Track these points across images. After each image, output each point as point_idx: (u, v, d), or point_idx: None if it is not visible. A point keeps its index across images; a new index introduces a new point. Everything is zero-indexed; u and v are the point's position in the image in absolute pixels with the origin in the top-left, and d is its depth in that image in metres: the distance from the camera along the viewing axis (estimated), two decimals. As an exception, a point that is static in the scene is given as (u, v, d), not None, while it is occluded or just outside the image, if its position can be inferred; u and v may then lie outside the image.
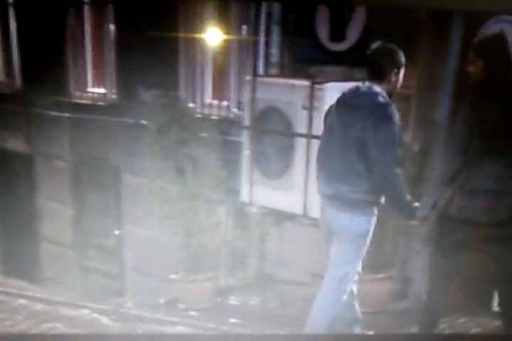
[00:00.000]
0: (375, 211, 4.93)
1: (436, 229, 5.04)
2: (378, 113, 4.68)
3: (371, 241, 6.12)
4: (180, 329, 6.75)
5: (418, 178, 6.29)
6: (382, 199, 4.92)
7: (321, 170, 5.04)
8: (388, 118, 4.66)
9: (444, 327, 5.79)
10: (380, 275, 6.32)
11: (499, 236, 4.87)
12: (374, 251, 6.26)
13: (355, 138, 4.70)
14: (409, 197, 4.85)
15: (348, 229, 4.92)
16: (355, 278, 5.10)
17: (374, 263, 6.32)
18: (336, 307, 5.12)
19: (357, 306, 5.31)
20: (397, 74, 4.82)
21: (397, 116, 4.69)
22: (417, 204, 4.90)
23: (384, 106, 4.69)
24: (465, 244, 4.99)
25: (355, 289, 5.18)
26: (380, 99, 4.71)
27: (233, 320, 6.83)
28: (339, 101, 4.94)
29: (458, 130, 4.91)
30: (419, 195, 6.30)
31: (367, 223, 4.92)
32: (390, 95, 4.80)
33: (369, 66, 4.90)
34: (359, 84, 4.88)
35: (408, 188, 4.86)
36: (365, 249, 5.02)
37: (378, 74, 4.80)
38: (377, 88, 4.76)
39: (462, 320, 5.91)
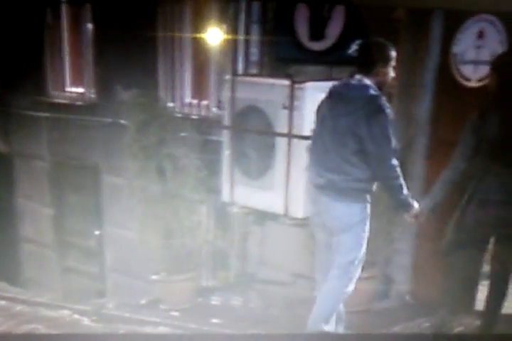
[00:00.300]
0: (369, 199, 5.03)
1: (452, 240, 5.36)
2: (370, 105, 4.77)
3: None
4: (161, 329, 6.72)
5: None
6: (375, 187, 5.04)
7: (314, 161, 5.13)
8: (380, 110, 4.76)
9: (427, 326, 5.82)
10: (363, 275, 6.31)
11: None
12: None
13: (348, 130, 4.79)
14: (405, 189, 4.96)
15: (344, 218, 5.00)
16: (360, 268, 5.22)
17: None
18: (341, 298, 5.24)
19: (341, 305, 5.35)
20: (386, 67, 4.91)
21: (389, 108, 4.78)
22: (412, 198, 5.03)
23: (376, 99, 4.78)
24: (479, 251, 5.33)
25: None
26: (372, 91, 4.80)
27: (215, 320, 6.81)
28: (331, 93, 5.01)
29: (467, 140, 5.03)
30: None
31: (362, 210, 5.01)
32: (379, 88, 4.89)
33: (357, 59, 4.97)
34: (349, 76, 4.95)
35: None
36: (366, 236, 5.09)
37: (365, 66, 4.90)
38: (367, 81, 4.85)
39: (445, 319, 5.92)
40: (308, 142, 6.39)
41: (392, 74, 4.97)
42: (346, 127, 4.80)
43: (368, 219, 5.05)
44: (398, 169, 4.87)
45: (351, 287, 5.19)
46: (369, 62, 4.89)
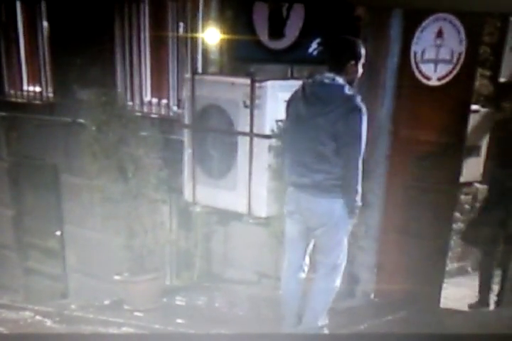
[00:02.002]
0: None
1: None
2: (348, 104, 4.77)
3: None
4: (125, 330, 6.70)
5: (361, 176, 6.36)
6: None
7: (294, 162, 5.12)
8: (357, 109, 4.76)
9: (393, 324, 5.87)
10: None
11: None
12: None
13: (327, 130, 4.80)
14: (359, 196, 4.98)
15: (327, 214, 5.04)
16: (344, 264, 5.25)
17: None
18: (332, 293, 5.26)
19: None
20: (356, 65, 4.92)
21: (364, 108, 4.80)
22: (358, 208, 5.05)
23: (352, 99, 4.78)
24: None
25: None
26: (347, 91, 4.81)
27: (180, 321, 6.80)
28: (305, 93, 4.99)
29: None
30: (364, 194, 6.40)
31: (341, 206, 5.00)
32: (350, 84, 4.91)
33: (328, 57, 4.99)
34: (320, 74, 4.94)
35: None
36: (349, 230, 5.21)
37: (336, 65, 4.89)
38: (340, 79, 4.85)
39: (410, 317, 5.97)
40: (271, 141, 6.44)
41: (361, 71, 4.98)
42: (324, 126, 4.81)
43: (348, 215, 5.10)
44: (360, 173, 4.90)
45: (339, 281, 5.23)
46: (340, 60, 4.89)
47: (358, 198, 4.98)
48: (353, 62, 4.89)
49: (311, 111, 4.90)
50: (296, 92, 5.09)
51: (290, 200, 5.27)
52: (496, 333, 4.90)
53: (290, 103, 5.13)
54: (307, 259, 5.36)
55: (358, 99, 4.80)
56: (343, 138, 4.80)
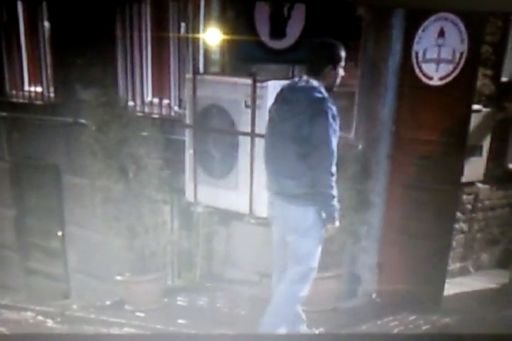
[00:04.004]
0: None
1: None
2: (313, 108, 4.69)
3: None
4: (127, 330, 6.69)
5: (363, 176, 6.35)
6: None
7: (268, 167, 5.10)
8: (322, 113, 4.66)
9: (395, 324, 5.86)
10: (329, 274, 6.34)
11: None
12: (322, 249, 6.30)
13: (294, 134, 4.75)
14: (335, 202, 4.86)
15: (298, 222, 4.96)
16: (314, 273, 5.16)
17: (322, 261, 6.34)
18: (297, 303, 5.21)
19: (299, 307, 5.32)
20: (335, 69, 4.85)
21: (333, 112, 4.69)
22: (337, 214, 4.92)
23: (318, 101, 4.69)
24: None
25: None
26: (316, 94, 4.72)
27: (181, 321, 6.80)
28: (278, 96, 4.98)
29: None
30: (364, 196, 6.40)
31: (315, 214, 4.92)
32: (329, 89, 4.83)
33: (306, 60, 4.92)
34: (297, 78, 4.92)
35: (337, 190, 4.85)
36: (321, 241, 5.09)
37: (314, 68, 4.84)
38: (314, 82, 4.78)
39: (412, 317, 5.97)
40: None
41: (341, 74, 4.90)
42: (292, 131, 4.76)
43: (321, 223, 4.97)
44: (334, 178, 4.79)
45: (306, 292, 5.13)
46: (318, 64, 4.84)
47: (335, 202, 4.85)
48: (330, 67, 4.83)
49: (281, 115, 4.87)
50: (275, 96, 5.03)
51: (269, 206, 5.32)
52: (496, 333, 4.90)
53: (270, 108, 5.09)
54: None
55: (327, 102, 4.69)
56: (310, 143, 4.72)
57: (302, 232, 4.97)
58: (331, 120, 4.67)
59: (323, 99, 4.69)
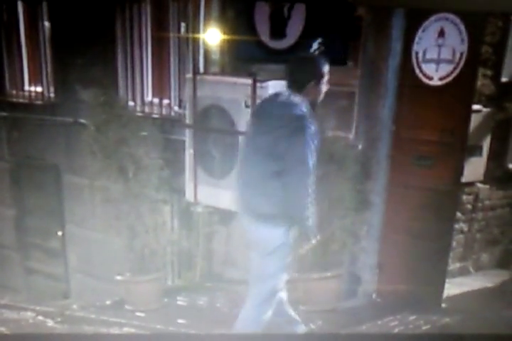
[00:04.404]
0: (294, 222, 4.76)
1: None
2: (291, 125, 4.52)
3: (320, 240, 6.19)
4: (127, 330, 6.70)
5: (363, 176, 6.36)
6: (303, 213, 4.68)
7: (240, 181, 4.92)
8: (301, 131, 4.49)
9: (395, 324, 5.86)
10: (329, 274, 6.35)
11: None
12: (322, 249, 6.31)
13: (270, 150, 4.57)
14: (311, 221, 4.66)
15: (264, 243, 4.79)
16: (281, 293, 4.96)
17: (322, 261, 6.36)
18: (261, 325, 4.96)
19: (290, 310, 5.21)
20: (318, 85, 4.69)
21: (312, 130, 4.52)
22: (314, 232, 4.74)
23: (298, 119, 4.53)
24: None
25: (285, 296, 5.06)
26: (296, 110, 4.55)
27: (181, 321, 6.80)
28: (257, 109, 4.93)
29: None
30: (364, 196, 6.40)
31: (284, 235, 4.74)
32: (312, 105, 4.66)
33: (287, 76, 4.75)
34: (280, 91, 4.76)
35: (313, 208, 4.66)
36: (288, 261, 4.88)
37: (296, 85, 4.68)
38: (296, 98, 4.61)
39: (412, 317, 5.98)
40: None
41: (324, 90, 4.74)
42: (268, 147, 4.56)
43: (289, 244, 4.81)
44: (309, 199, 4.59)
45: (269, 314, 4.95)
46: (300, 80, 4.69)
47: (310, 223, 4.64)
48: (313, 83, 4.67)
49: (258, 129, 4.72)
50: (254, 109, 4.99)
51: (241, 223, 5.08)
52: (496, 333, 4.90)
53: (248, 120, 5.01)
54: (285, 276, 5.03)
55: (306, 120, 4.51)
56: (286, 161, 4.53)
57: (267, 253, 4.78)
58: (308, 139, 4.50)
59: (302, 117, 4.52)
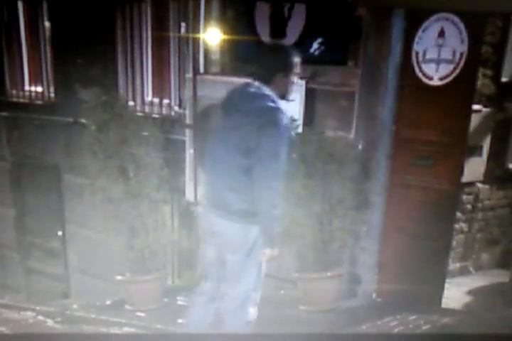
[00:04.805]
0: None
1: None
2: (263, 118, 4.33)
3: (320, 240, 6.20)
4: (127, 330, 6.69)
5: (363, 176, 6.36)
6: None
7: (207, 177, 4.73)
8: (274, 124, 4.30)
9: (395, 324, 5.86)
10: (329, 274, 6.35)
11: None
12: (322, 249, 6.32)
13: (239, 144, 4.37)
14: (276, 226, 4.48)
15: (238, 242, 4.59)
16: (259, 293, 4.81)
17: (322, 261, 6.36)
18: (248, 327, 4.79)
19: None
20: (287, 76, 4.49)
21: (285, 123, 4.37)
22: (276, 239, 4.53)
23: (270, 111, 4.35)
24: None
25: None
26: (268, 102, 4.37)
27: (181, 321, 6.78)
28: (225, 101, 4.61)
29: None
30: (364, 196, 6.40)
31: (256, 233, 4.53)
32: (282, 97, 4.50)
33: (256, 66, 4.55)
34: (247, 82, 4.52)
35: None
36: (260, 262, 4.68)
37: (264, 75, 4.47)
38: (266, 89, 4.43)
39: (412, 317, 5.98)
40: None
41: (295, 82, 4.57)
42: (238, 141, 4.36)
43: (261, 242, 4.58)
44: (278, 197, 4.40)
45: (255, 315, 4.80)
46: (268, 70, 4.48)
47: (276, 225, 4.46)
48: (281, 75, 4.46)
49: (227, 123, 4.47)
50: (221, 101, 4.65)
51: (202, 222, 4.84)
52: (496, 333, 4.90)
53: (216, 113, 4.76)
54: (221, 289, 4.88)
55: (279, 112, 4.33)
56: (257, 155, 4.30)
57: (243, 254, 4.59)
58: (282, 131, 4.33)
59: (275, 109, 4.34)
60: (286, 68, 4.49)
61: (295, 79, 4.58)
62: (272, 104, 4.37)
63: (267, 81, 4.45)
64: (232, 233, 4.57)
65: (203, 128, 7.10)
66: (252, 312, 4.79)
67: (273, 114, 4.34)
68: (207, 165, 4.71)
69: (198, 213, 4.97)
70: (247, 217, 4.48)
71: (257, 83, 4.47)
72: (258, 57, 4.66)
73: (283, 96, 4.53)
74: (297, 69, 4.55)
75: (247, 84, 4.51)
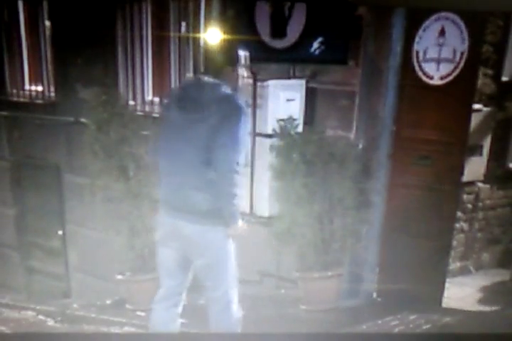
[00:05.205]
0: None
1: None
2: (225, 104, 4.25)
3: (321, 239, 6.19)
4: (127, 329, 6.69)
5: (363, 175, 6.36)
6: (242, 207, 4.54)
7: (166, 177, 4.59)
8: (239, 110, 4.25)
9: (396, 324, 5.86)
10: (329, 273, 6.35)
11: None
12: (322, 248, 6.32)
13: (203, 138, 4.24)
14: (237, 201, 4.37)
15: (206, 245, 4.47)
16: (237, 290, 4.76)
17: (323, 260, 6.36)
18: (238, 324, 4.79)
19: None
20: (234, 70, 4.46)
21: (243, 106, 4.31)
22: (238, 214, 4.45)
23: (231, 97, 4.30)
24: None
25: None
26: (225, 90, 4.31)
27: (181, 320, 6.78)
28: (176, 95, 4.52)
29: None
30: (365, 196, 6.40)
31: (224, 234, 4.47)
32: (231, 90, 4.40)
33: (204, 61, 4.67)
34: (197, 75, 4.62)
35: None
36: (233, 261, 4.70)
37: (212, 68, 4.45)
38: (217, 81, 4.36)
39: (412, 317, 5.98)
40: (273, 140, 6.44)
41: (243, 75, 4.61)
42: (199, 132, 4.25)
43: (231, 242, 4.58)
44: (238, 177, 4.29)
45: (240, 311, 4.78)
46: (216, 63, 4.47)
47: (236, 201, 4.34)
48: (229, 68, 4.43)
49: (183, 116, 4.33)
50: (171, 95, 4.60)
51: (163, 225, 4.68)
52: (497, 333, 4.90)
53: (164, 108, 4.72)
54: (184, 294, 4.90)
55: (239, 98, 4.30)
56: (220, 141, 4.19)
57: (213, 257, 4.52)
58: (243, 115, 4.27)
59: (232, 95, 4.30)
60: (233, 62, 4.45)
61: (243, 73, 4.66)
62: (228, 91, 4.32)
63: (215, 74, 4.37)
64: (199, 237, 4.44)
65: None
66: (237, 309, 4.75)
67: (232, 100, 4.29)
68: (164, 165, 4.56)
69: (158, 217, 4.77)
70: (215, 218, 4.37)
71: (206, 77, 4.39)
72: (207, 49, 4.77)
73: (232, 88, 4.43)
74: (245, 63, 4.50)
75: (198, 77, 4.49)
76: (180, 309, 4.89)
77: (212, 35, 7.25)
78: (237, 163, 4.28)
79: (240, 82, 4.73)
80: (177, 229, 4.49)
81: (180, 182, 4.41)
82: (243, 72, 4.65)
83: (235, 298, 4.74)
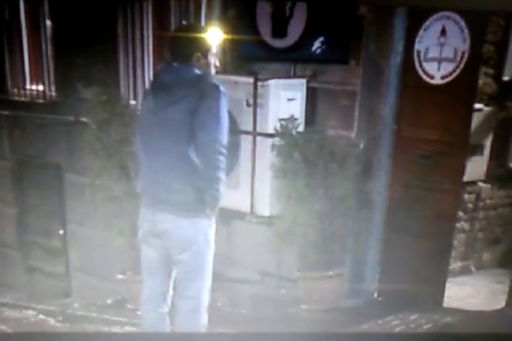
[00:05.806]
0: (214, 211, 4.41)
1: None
2: (201, 85, 4.21)
3: (322, 239, 6.19)
4: (128, 329, 6.69)
5: (364, 175, 6.35)
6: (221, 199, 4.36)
7: (145, 168, 4.45)
8: (217, 88, 4.20)
9: (396, 323, 5.86)
10: (330, 273, 6.35)
11: None
12: (323, 248, 6.31)
13: (182, 123, 4.20)
14: (221, 185, 4.28)
15: (189, 239, 4.37)
16: (207, 298, 4.68)
17: (324, 260, 6.36)
18: (201, 327, 4.67)
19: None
20: (205, 57, 4.41)
21: (221, 87, 4.24)
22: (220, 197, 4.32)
23: (205, 78, 4.30)
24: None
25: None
26: (197, 71, 4.29)
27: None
28: (153, 82, 4.49)
29: None
30: (366, 195, 6.40)
31: (207, 227, 4.42)
32: None
33: (173, 48, 4.41)
34: (167, 61, 4.43)
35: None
36: (212, 257, 4.62)
37: (182, 57, 4.32)
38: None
39: (413, 316, 5.97)
40: (274, 140, 6.44)
41: (213, 63, 4.54)
42: (177, 116, 4.19)
43: (213, 236, 4.52)
44: (223, 159, 4.23)
45: (206, 318, 4.68)
46: (186, 52, 4.33)
47: (220, 187, 4.26)
48: (199, 55, 4.33)
49: (160, 103, 4.28)
50: (148, 86, 4.53)
51: (144, 221, 4.54)
52: (498, 333, 4.89)
53: (142, 99, 4.61)
54: (171, 290, 4.70)
55: (214, 77, 4.27)
56: (200, 119, 4.13)
57: (195, 251, 4.42)
58: (221, 93, 4.20)
59: (208, 74, 4.34)
60: (203, 49, 4.38)
61: (213, 60, 4.59)
62: (201, 72, 4.31)
63: (185, 61, 4.32)
64: (180, 230, 4.36)
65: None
66: (205, 315, 4.66)
67: (208, 79, 4.29)
68: (144, 154, 4.42)
69: (140, 213, 4.61)
70: (196, 209, 4.31)
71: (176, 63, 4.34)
72: (175, 36, 4.54)
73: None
74: (214, 51, 4.56)
75: (168, 62, 4.41)
76: (166, 309, 4.72)
77: (213, 35, 7.28)
78: (221, 144, 4.23)
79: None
80: (157, 223, 4.40)
81: (160, 171, 4.31)
82: (213, 60, 4.46)
83: (205, 302, 4.65)
